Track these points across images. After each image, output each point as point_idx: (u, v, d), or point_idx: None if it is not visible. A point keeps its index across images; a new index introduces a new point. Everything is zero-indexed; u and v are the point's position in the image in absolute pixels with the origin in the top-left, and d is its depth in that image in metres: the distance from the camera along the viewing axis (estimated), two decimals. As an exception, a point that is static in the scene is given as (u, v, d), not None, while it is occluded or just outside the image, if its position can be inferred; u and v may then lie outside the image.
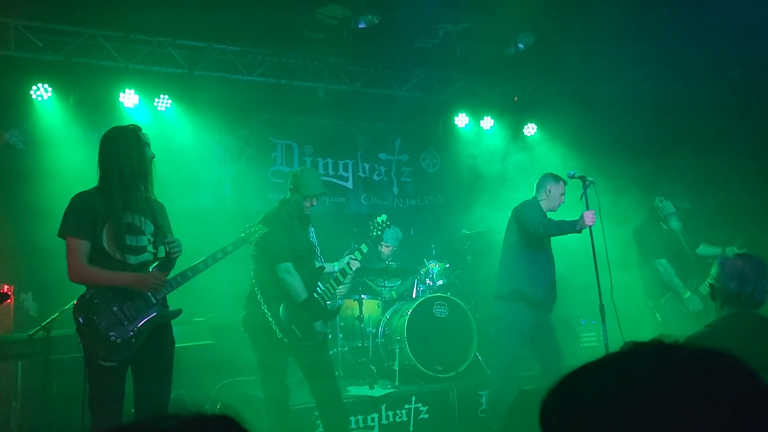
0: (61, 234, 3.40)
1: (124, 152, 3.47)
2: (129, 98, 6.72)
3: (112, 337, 3.32)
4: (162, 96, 6.93)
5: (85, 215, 3.38)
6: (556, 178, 5.38)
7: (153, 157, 3.59)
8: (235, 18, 6.34)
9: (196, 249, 4.15)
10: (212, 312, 5.94)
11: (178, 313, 3.66)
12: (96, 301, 3.34)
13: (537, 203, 5.32)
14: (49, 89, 6.47)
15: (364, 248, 4.83)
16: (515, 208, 5.35)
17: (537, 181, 5.47)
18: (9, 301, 5.46)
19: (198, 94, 7.05)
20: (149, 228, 3.60)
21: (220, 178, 7.58)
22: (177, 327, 5.55)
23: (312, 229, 4.83)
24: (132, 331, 3.39)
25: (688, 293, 5.71)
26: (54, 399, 4.94)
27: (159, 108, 6.95)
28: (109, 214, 3.42)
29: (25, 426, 4.98)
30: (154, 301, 3.52)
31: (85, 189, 3.50)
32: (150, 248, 3.61)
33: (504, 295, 5.20)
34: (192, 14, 6.19)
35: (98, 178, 3.51)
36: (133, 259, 3.50)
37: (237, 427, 0.85)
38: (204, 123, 7.26)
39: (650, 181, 6.49)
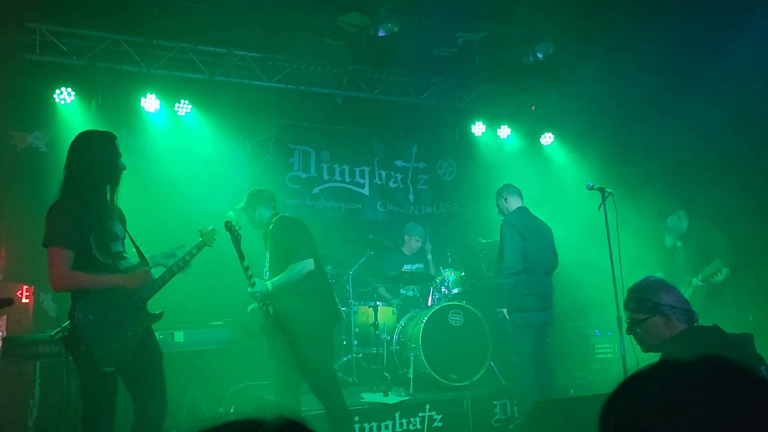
0: (48, 243, 3.34)
1: (98, 159, 3.44)
2: (150, 103, 6.80)
3: (112, 342, 3.36)
4: (182, 101, 7.00)
5: (73, 225, 3.34)
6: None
7: (124, 169, 3.57)
8: (256, 25, 6.40)
9: (214, 252, 4.19)
10: (229, 316, 5.97)
11: (160, 316, 3.71)
12: (95, 307, 3.35)
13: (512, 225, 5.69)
14: (72, 93, 6.55)
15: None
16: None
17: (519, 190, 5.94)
18: (29, 301, 5.53)
19: (218, 100, 7.12)
20: (122, 233, 3.63)
21: (238, 183, 7.62)
22: (194, 331, 5.67)
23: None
24: (126, 335, 3.43)
25: None
26: (72, 399, 4.98)
27: (179, 113, 7.02)
28: (93, 221, 3.40)
29: (41, 425, 5.02)
30: (141, 305, 3.55)
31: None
32: (125, 253, 3.64)
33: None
34: (213, 21, 6.27)
35: (66, 182, 3.45)
36: (120, 264, 3.54)
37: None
38: (223, 128, 7.32)
39: (670, 192, 6.44)
